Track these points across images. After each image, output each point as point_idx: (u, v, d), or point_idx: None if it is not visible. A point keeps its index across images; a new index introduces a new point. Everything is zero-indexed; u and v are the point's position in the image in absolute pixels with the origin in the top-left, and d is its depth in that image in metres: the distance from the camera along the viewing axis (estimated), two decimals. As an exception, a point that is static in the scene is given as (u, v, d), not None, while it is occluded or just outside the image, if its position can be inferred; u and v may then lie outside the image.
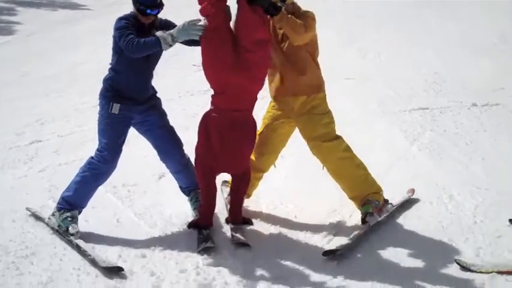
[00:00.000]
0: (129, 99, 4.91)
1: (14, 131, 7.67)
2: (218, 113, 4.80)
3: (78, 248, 4.67)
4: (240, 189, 5.11)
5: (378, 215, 5.09)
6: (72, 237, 4.78)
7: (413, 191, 5.64)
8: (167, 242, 4.84)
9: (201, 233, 4.90)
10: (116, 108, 4.88)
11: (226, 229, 5.07)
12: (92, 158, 4.99)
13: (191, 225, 5.02)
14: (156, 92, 5.17)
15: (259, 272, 4.50)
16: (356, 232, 4.93)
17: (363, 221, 5.01)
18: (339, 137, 5.11)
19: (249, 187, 5.27)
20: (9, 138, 7.38)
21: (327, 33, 12.51)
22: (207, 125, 4.85)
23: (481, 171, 6.17)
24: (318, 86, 5.11)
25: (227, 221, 5.14)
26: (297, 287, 4.31)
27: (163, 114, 5.17)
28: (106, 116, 4.93)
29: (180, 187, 5.29)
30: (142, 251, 4.70)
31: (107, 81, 4.97)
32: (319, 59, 5.12)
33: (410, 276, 4.40)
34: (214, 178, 4.99)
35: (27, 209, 5.26)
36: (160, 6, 4.79)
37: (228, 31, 4.70)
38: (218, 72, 4.74)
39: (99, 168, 4.93)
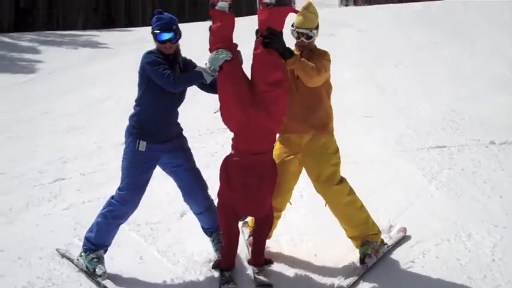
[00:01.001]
0: (155, 137, 4.86)
1: (37, 168, 7.82)
2: (238, 156, 4.80)
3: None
4: (263, 232, 5.09)
5: (375, 255, 5.17)
6: (99, 279, 4.80)
7: (404, 230, 5.71)
8: (190, 279, 4.93)
9: (223, 275, 4.90)
10: (142, 145, 4.83)
11: (248, 269, 5.09)
12: (111, 197, 4.97)
13: (214, 266, 5.03)
14: (182, 130, 5.13)
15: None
16: (357, 272, 5.01)
17: (362, 261, 5.09)
18: (343, 180, 5.16)
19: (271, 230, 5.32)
20: (32, 176, 7.53)
21: (344, 70, 12.80)
22: (227, 168, 4.84)
23: (499, 209, 6.19)
24: (329, 124, 5.13)
25: (249, 262, 5.11)
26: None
27: (190, 156, 5.12)
28: (131, 154, 4.89)
29: (203, 227, 5.28)
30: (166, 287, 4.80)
31: (132, 117, 4.94)
32: (333, 97, 5.18)
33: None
34: (237, 221, 4.99)
35: (57, 250, 5.33)
36: (175, 31, 4.81)
37: (242, 72, 4.76)
38: (236, 111, 4.72)
39: (118, 210, 4.91)
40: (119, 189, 4.95)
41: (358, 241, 5.21)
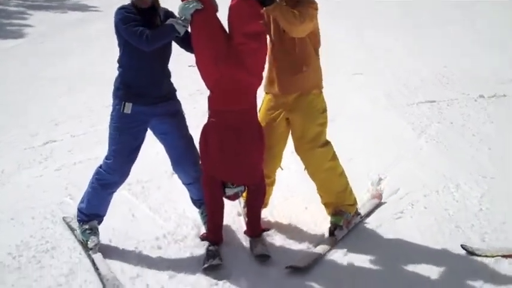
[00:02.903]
0: (143, 98, 4.51)
1: (27, 132, 7.76)
2: (216, 116, 4.50)
3: (92, 262, 4.59)
4: (257, 201, 4.83)
5: (346, 227, 4.97)
6: (90, 252, 4.65)
7: (380, 196, 5.55)
8: (181, 234, 4.98)
9: (208, 250, 4.67)
10: (128, 107, 4.50)
11: (243, 240, 4.97)
12: (99, 166, 4.74)
13: (202, 239, 4.82)
14: (174, 91, 4.77)
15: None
16: (324, 246, 4.77)
17: (331, 232, 4.88)
18: (328, 143, 4.86)
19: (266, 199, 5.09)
20: (23, 139, 7.48)
21: (336, 29, 12.73)
22: (205, 134, 4.53)
23: (488, 161, 6.29)
24: (317, 82, 4.80)
25: (245, 233, 4.92)
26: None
27: (182, 122, 4.79)
28: (117, 118, 4.57)
29: (191, 198, 5.09)
30: (158, 243, 4.85)
31: (116, 80, 4.61)
32: (324, 55, 4.91)
33: (417, 260, 4.53)
34: (219, 189, 4.64)
35: (63, 218, 5.22)
36: None
37: (218, 22, 4.43)
38: (211, 65, 4.41)
39: (106, 179, 4.68)
40: (106, 157, 4.70)
41: (331, 209, 5.01)
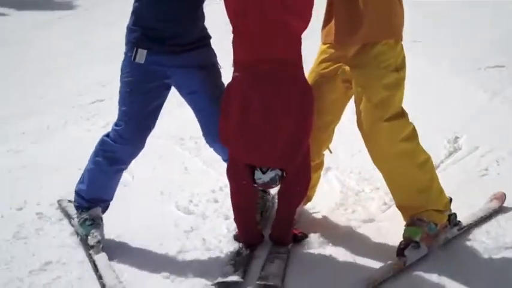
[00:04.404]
0: (161, 43, 3.40)
1: (76, 92, 7.54)
2: (240, 69, 3.23)
3: (94, 266, 3.51)
4: (293, 193, 3.49)
5: (427, 245, 3.46)
6: (91, 251, 3.59)
7: (502, 197, 4.05)
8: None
9: (238, 253, 3.53)
10: (141, 55, 3.41)
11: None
12: (106, 135, 3.68)
13: (235, 238, 3.76)
14: (207, 38, 3.60)
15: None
16: (385, 266, 3.37)
17: (399, 251, 3.39)
18: (404, 114, 3.45)
19: (310, 188, 3.75)
20: (70, 99, 7.25)
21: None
22: (227, 93, 3.30)
23: None
24: (391, 28, 3.39)
25: (270, 237, 3.68)
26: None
27: (213, 79, 3.59)
28: (128, 70, 3.51)
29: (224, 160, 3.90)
30: (214, 196, 4.46)
31: (131, 18, 3.53)
32: None
33: None
34: (245, 175, 3.33)
35: (58, 201, 4.33)
36: None
37: None
38: None
39: (114, 151, 3.60)
40: (115, 123, 3.65)
41: (407, 216, 3.54)
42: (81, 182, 3.77)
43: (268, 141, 3.19)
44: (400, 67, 3.40)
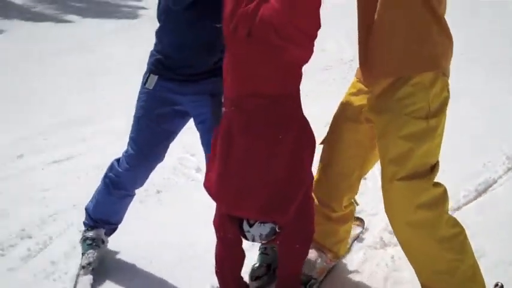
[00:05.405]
0: (173, 71, 3.30)
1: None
2: (229, 106, 2.79)
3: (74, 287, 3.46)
4: (289, 255, 2.99)
5: None
6: (80, 271, 3.54)
7: None
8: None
9: None
10: (152, 81, 3.31)
11: None
12: (116, 159, 3.63)
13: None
14: (221, 68, 3.00)
15: None
16: None
17: None
18: (430, 173, 2.79)
19: (336, 244, 3.33)
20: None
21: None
22: (215, 134, 2.89)
23: None
24: (429, 60, 2.74)
25: None
26: None
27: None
28: (140, 96, 3.41)
29: None
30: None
31: (154, 47, 3.44)
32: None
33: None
34: (230, 226, 2.89)
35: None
36: None
37: None
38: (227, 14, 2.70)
39: (118, 176, 3.55)
40: (125, 149, 3.57)
41: None
42: (91, 200, 3.75)
43: (249, 190, 2.73)
44: (434, 114, 2.74)
